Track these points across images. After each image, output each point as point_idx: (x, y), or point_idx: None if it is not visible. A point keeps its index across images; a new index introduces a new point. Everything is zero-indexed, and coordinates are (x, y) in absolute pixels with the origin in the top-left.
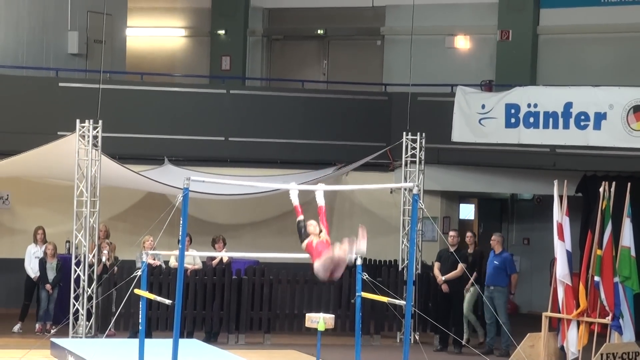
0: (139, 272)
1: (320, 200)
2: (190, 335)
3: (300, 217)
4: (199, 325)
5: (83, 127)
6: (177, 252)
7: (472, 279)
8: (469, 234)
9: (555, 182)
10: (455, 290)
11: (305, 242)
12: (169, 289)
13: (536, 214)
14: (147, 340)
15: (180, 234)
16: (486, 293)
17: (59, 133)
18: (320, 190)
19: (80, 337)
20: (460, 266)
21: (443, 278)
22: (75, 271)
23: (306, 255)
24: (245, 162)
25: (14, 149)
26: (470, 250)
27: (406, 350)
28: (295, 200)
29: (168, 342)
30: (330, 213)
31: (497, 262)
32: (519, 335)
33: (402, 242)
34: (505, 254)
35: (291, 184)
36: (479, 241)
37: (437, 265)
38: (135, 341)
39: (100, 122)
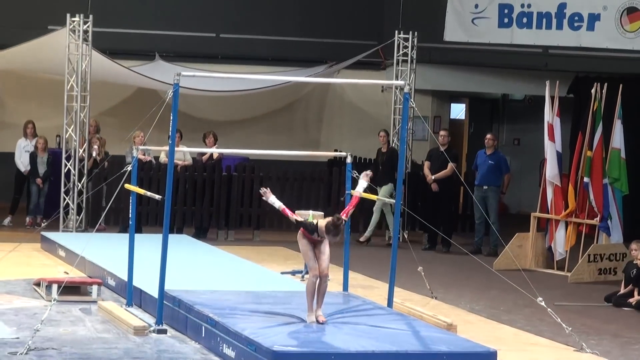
0: (129, 167)
1: (361, 187)
2: (180, 231)
3: (296, 217)
4: (188, 221)
5: (74, 21)
6: (167, 148)
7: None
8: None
9: (547, 83)
10: (445, 189)
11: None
12: (158, 185)
13: (527, 115)
14: (137, 235)
15: (170, 129)
16: (478, 193)
17: (49, 27)
18: (363, 181)
19: (71, 231)
20: (450, 165)
21: (433, 177)
22: (66, 165)
23: (297, 153)
24: (236, 59)
25: (3, 42)
26: (383, 150)
27: (394, 249)
28: (277, 204)
29: (157, 237)
30: (320, 111)
31: (492, 162)
32: (507, 236)
33: (393, 141)
34: (500, 154)
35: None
36: (470, 140)
37: (427, 164)
38: (125, 236)
39: (90, 16)
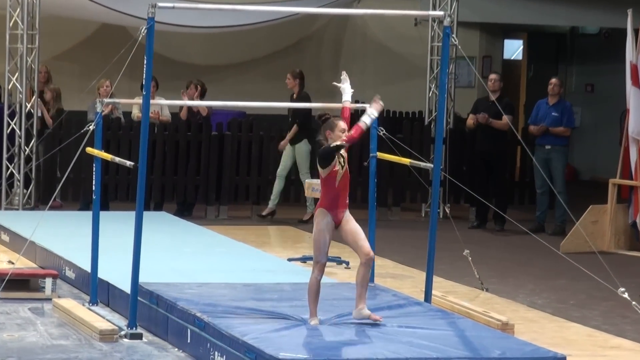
0: (92, 127)
1: (348, 93)
2: (158, 208)
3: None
4: (169, 194)
5: None
6: (140, 101)
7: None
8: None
9: (629, 12)
10: (497, 150)
11: (328, 169)
12: (130, 148)
13: (603, 53)
14: (102, 213)
15: (144, 77)
16: (539, 154)
17: None
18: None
19: (17, 209)
20: (505, 119)
21: (486, 116)
22: (9, 125)
23: (306, 105)
24: None
25: None
26: (295, 94)
27: (433, 227)
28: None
29: (130, 216)
30: (336, 52)
31: (556, 114)
32: (578, 209)
33: (430, 88)
34: (566, 104)
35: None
36: (529, 87)
37: (472, 118)
38: (88, 214)
39: None
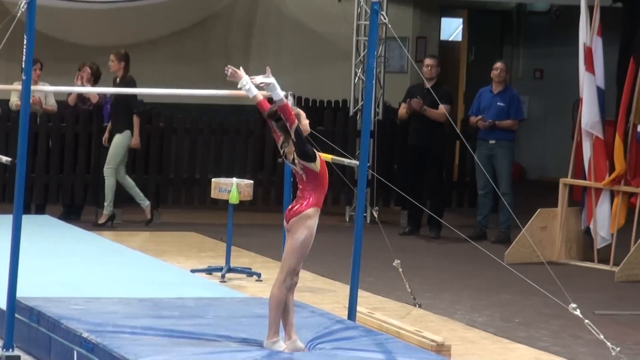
0: None
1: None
2: (40, 211)
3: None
4: (53, 195)
5: None
6: (19, 87)
7: None
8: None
9: None
10: (432, 144)
11: (318, 161)
12: (7, 142)
13: (554, 34)
14: None
15: (24, 59)
16: (482, 150)
17: None
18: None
19: None
20: (442, 109)
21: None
22: None
23: (214, 93)
24: None
25: None
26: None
27: (359, 233)
28: (253, 91)
29: (5, 220)
30: (247, 31)
31: (501, 104)
32: (525, 213)
33: (355, 74)
34: (513, 92)
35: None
36: (470, 72)
37: (404, 107)
38: None
39: None
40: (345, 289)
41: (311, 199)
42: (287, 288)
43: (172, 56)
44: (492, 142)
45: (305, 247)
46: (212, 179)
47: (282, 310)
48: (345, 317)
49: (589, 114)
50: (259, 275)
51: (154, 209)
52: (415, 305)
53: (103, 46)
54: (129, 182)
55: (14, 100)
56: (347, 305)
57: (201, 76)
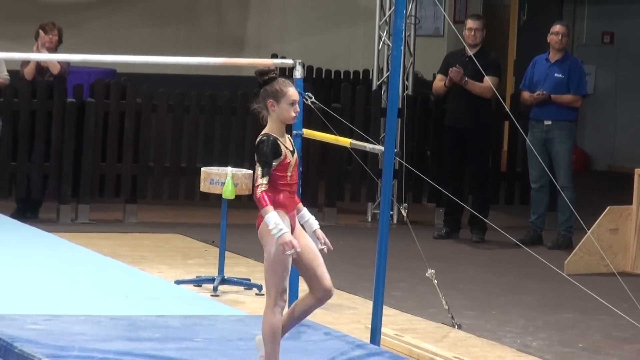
0: None
1: None
2: None
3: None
4: (3, 188)
5: None
6: None
7: None
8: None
9: None
10: (476, 127)
11: (279, 159)
12: None
13: None
14: None
15: None
16: (535, 133)
17: None
18: None
19: None
20: (487, 81)
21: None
22: None
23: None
24: None
25: None
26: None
27: (384, 236)
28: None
29: None
30: None
31: (560, 75)
32: (590, 212)
33: (380, 37)
34: (575, 61)
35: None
36: (522, 37)
37: (440, 79)
38: None
39: None
40: (368, 306)
41: (272, 200)
42: (281, 312)
43: (152, 16)
44: (547, 122)
45: (281, 260)
46: (202, 169)
47: (279, 340)
48: (368, 341)
49: None
50: (259, 287)
51: (128, 203)
52: (453, 326)
53: (65, 2)
54: None
55: None
56: (369, 326)
57: (188, 40)
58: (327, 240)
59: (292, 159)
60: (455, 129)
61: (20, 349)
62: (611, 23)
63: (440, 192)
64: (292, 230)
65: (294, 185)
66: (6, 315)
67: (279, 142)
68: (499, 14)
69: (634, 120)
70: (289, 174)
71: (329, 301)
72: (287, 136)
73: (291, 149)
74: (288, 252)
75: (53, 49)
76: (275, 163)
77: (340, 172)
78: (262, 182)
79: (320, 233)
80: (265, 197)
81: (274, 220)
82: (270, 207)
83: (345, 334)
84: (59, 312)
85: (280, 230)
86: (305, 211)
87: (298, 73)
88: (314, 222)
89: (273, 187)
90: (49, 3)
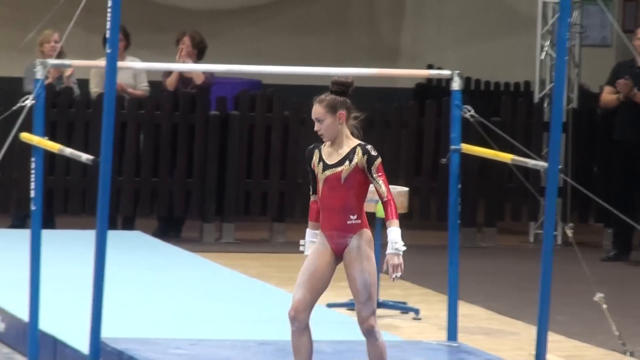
0: (29, 102)
1: None
2: (129, 225)
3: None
4: (145, 205)
5: None
6: (103, 62)
7: None
8: None
9: None
10: None
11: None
12: (87, 135)
13: None
14: (45, 232)
15: (108, 28)
16: None
17: None
18: None
19: None
20: None
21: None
22: None
23: (355, 72)
24: None
25: None
26: None
27: (547, 259)
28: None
29: (86, 237)
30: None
31: None
32: None
33: (542, 48)
34: None
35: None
36: None
37: (608, 91)
38: (24, 234)
39: None
40: (531, 331)
41: None
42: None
43: (300, 24)
44: None
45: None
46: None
47: None
48: None
49: None
50: (416, 311)
51: (275, 222)
52: (625, 353)
53: (208, 10)
54: None
55: (95, 90)
56: (533, 352)
57: (337, 50)
58: (394, 268)
59: (322, 175)
60: (625, 144)
61: None
62: None
63: (608, 212)
64: (339, 255)
65: (328, 204)
66: (149, 339)
67: (315, 153)
68: None
69: None
70: (320, 188)
71: (490, 325)
72: (356, 147)
73: (331, 162)
74: None
75: (193, 59)
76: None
77: (501, 189)
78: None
79: (388, 259)
80: (311, 208)
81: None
82: (310, 222)
83: None
84: (204, 337)
85: (301, 246)
86: (390, 230)
87: (456, 85)
88: (389, 246)
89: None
90: (192, 11)
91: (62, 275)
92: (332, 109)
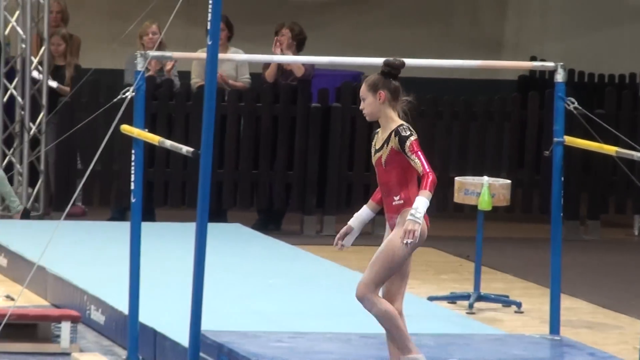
0: (130, 94)
1: None
2: (225, 217)
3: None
4: (245, 197)
5: None
6: (204, 55)
7: None
8: None
9: None
10: None
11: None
12: (187, 127)
13: None
14: (145, 225)
15: (209, 20)
16: None
17: None
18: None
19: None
20: None
21: None
22: (7, 90)
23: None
24: None
25: None
26: None
27: None
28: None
29: (186, 229)
30: None
31: None
32: None
33: None
34: None
35: None
36: None
37: None
38: (124, 226)
39: None
40: (636, 325)
41: None
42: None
43: (402, 16)
44: None
45: (398, 262)
46: (456, 178)
47: (402, 325)
48: None
49: None
50: (518, 305)
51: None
52: None
53: (311, 1)
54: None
55: (196, 81)
56: (638, 346)
57: (439, 41)
58: (407, 234)
59: (373, 159)
60: None
61: None
62: None
63: None
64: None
65: (380, 186)
66: (250, 332)
67: (374, 138)
68: None
69: None
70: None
71: (594, 319)
72: (393, 131)
73: (377, 147)
74: None
75: (293, 51)
76: None
77: (605, 182)
78: None
79: (406, 224)
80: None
81: None
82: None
83: (612, 355)
84: (305, 330)
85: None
86: (417, 199)
87: (560, 77)
88: (410, 212)
89: None
90: (292, 3)
91: (162, 268)
92: (374, 88)
